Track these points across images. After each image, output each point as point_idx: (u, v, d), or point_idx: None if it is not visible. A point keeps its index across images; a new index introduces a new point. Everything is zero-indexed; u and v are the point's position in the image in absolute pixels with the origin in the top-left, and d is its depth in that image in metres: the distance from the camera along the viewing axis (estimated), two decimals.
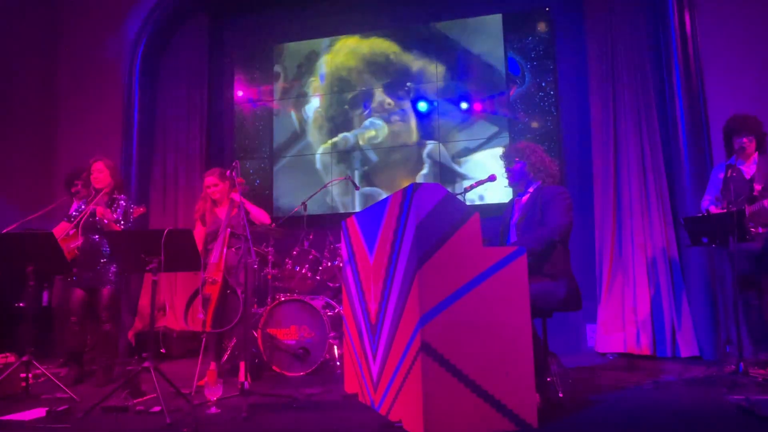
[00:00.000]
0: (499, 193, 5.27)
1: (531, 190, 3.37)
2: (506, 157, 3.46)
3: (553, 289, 3.11)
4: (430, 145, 5.81)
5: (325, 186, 5.63)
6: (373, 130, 6.00)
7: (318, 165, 6.11)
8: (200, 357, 3.81)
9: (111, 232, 3.82)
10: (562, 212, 3.15)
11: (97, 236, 4.11)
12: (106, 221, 3.98)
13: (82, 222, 4.07)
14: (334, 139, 6.08)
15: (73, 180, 4.84)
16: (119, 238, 3.56)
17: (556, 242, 3.13)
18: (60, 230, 4.13)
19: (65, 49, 6.35)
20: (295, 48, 6.28)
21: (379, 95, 6.00)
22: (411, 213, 2.61)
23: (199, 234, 4.13)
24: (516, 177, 3.43)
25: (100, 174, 4.20)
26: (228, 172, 3.99)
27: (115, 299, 4.11)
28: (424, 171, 5.81)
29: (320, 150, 6.11)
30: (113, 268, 4.10)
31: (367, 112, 6.03)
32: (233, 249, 4.12)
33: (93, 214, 4.09)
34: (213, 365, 3.48)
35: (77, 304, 4.10)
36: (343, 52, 6.13)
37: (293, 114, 6.22)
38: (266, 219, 4.33)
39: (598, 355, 4.86)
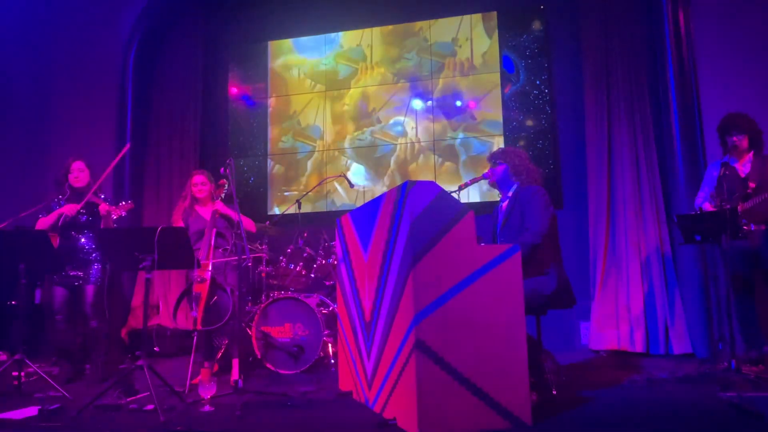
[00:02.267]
0: (496, 191, 5.26)
1: (510, 194, 3.45)
2: (491, 159, 3.57)
3: (543, 282, 3.15)
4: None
5: (319, 184, 5.61)
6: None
7: (315, 163, 6.09)
8: (192, 355, 3.81)
9: (105, 230, 3.80)
10: (541, 213, 3.22)
11: (81, 234, 4.08)
12: (115, 216, 3.97)
13: (66, 220, 4.05)
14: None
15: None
16: (113, 236, 3.54)
17: (539, 245, 3.18)
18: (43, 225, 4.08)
19: (59, 46, 6.30)
20: (291, 45, 6.26)
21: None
22: (405, 211, 2.60)
23: None
24: (496, 177, 3.50)
25: (81, 173, 4.18)
26: (222, 169, 3.99)
27: (100, 296, 4.10)
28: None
29: (321, 148, 6.10)
30: (96, 265, 4.08)
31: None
32: (220, 249, 4.14)
33: (87, 211, 4.07)
34: (207, 363, 3.47)
35: (61, 303, 4.09)
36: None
37: (289, 112, 6.21)
38: (251, 227, 4.35)
39: (592, 353, 4.87)
